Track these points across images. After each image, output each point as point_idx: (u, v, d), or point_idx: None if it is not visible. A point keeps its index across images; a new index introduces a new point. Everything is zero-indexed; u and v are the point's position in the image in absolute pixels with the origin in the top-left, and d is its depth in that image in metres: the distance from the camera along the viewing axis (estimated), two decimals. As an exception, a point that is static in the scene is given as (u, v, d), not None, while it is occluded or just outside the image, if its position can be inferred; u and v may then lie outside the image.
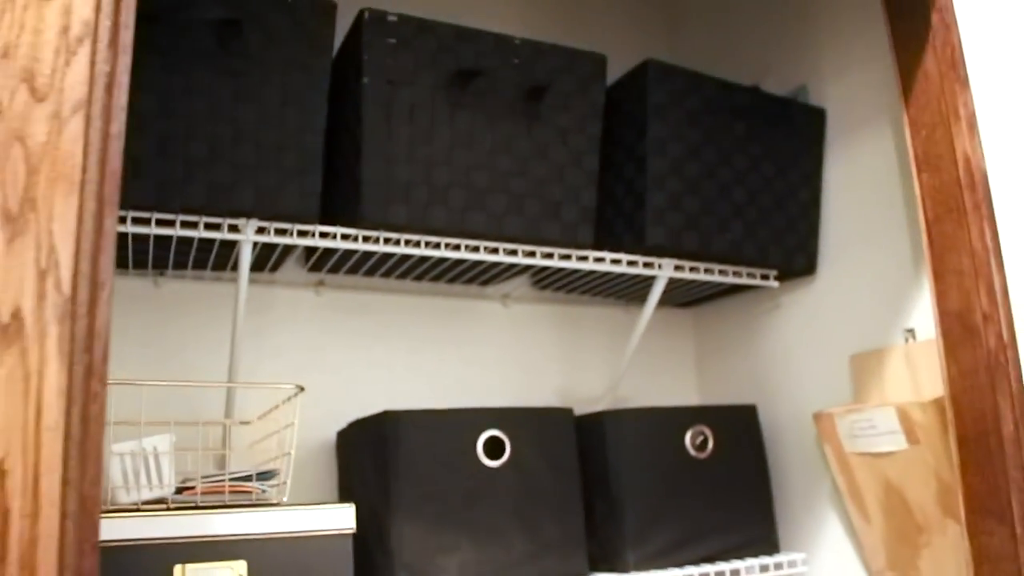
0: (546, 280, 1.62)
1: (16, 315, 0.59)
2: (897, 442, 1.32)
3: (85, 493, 0.61)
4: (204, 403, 1.37)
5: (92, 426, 0.63)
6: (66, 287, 0.61)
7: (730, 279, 1.52)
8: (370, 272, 1.51)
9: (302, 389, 1.18)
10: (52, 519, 0.58)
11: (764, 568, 1.43)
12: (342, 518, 1.11)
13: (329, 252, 1.37)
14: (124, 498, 1.08)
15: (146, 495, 1.09)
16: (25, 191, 0.61)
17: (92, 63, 0.64)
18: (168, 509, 1.07)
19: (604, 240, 1.43)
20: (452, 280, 1.58)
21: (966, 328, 1.19)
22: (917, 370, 1.37)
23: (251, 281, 1.28)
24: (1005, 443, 1.13)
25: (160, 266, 1.40)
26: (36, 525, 0.58)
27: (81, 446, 0.61)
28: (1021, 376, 1.13)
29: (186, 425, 1.27)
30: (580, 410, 1.42)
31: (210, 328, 1.44)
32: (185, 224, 1.18)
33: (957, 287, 1.21)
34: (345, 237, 1.26)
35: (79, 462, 0.60)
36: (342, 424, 1.44)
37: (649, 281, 1.50)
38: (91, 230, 0.63)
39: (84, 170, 0.63)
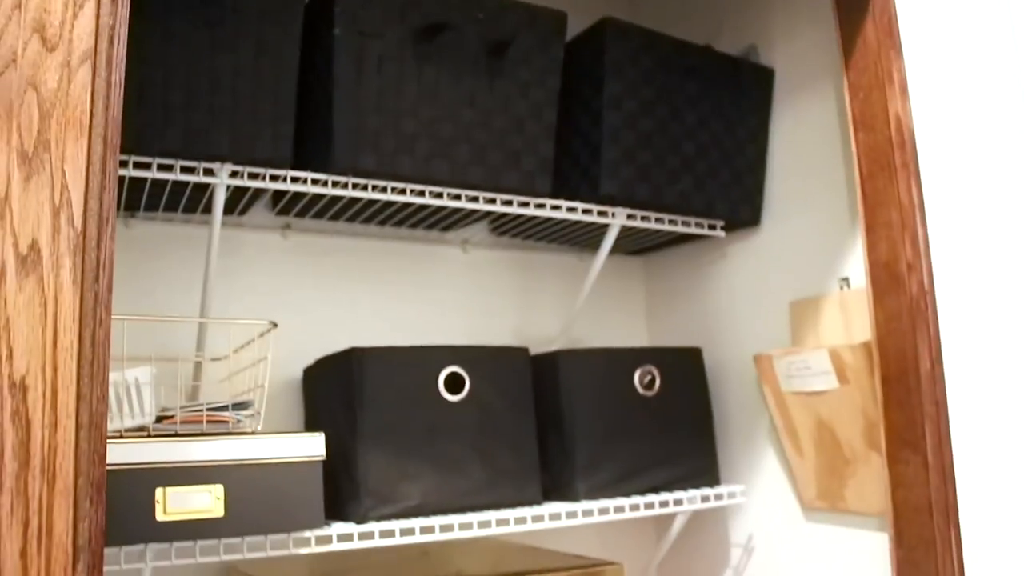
0: (504, 227, 1.69)
1: (34, 247, 0.65)
2: (829, 382, 1.43)
3: (95, 408, 0.68)
4: (178, 341, 1.43)
5: (100, 349, 0.70)
6: (78, 222, 0.67)
7: (679, 228, 1.60)
8: (336, 217, 1.57)
9: (275, 325, 1.25)
10: (69, 430, 0.65)
11: (705, 498, 1.53)
12: (312, 446, 1.19)
13: (298, 197, 1.43)
14: (108, 426, 1.14)
15: (128, 423, 1.16)
16: (39, 134, 0.66)
17: (97, 16, 0.70)
18: (149, 436, 1.14)
19: (561, 189, 1.50)
20: (415, 226, 1.65)
21: (892, 276, 1.29)
22: (850, 316, 1.48)
23: (220, 224, 1.33)
24: (922, 381, 1.24)
25: (132, 208, 1.44)
26: (55, 435, 0.65)
27: (92, 366, 0.67)
28: (938, 320, 1.24)
29: (164, 361, 1.33)
30: (536, 350, 1.51)
31: (181, 269, 1.49)
32: (162, 167, 1.23)
33: (886, 239, 1.30)
34: (316, 182, 1.32)
35: (91, 380, 0.67)
36: (308, 362, 1.51)
37: (603, 229, 1.59)
38: (98, 171, 0.69)
39: (91, 115, 0.69)
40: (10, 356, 0.64)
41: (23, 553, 0.63)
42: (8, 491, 0.63)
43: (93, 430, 0.68)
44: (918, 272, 1.26)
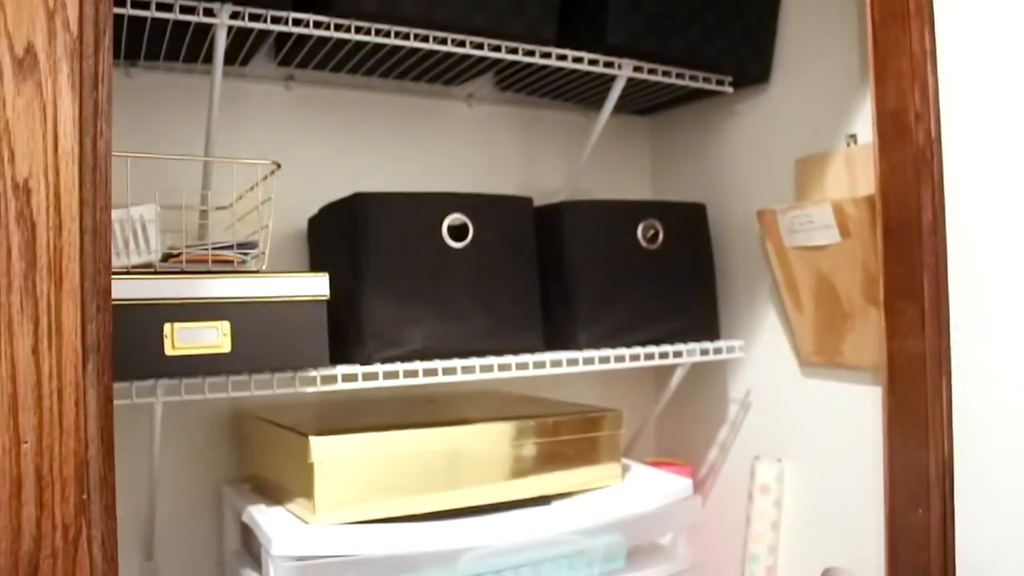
0: (509, 80, 1.67)
1: (30, 50, 0.65)
2: (831, 236, 1.44)
3: (99, 217, 0.69)
4: (181, 187, 1.43)
5: (101, 161, 0.70)
6: (74, 27, 0.66)
7: (686, 82, 1.58)
8: (339, 67, 1.55)
9: (278, 166, 1.25)
10: (73, 233, 0.66)
11: (704, 352, 1.56)
12: (317, 285, 1.21)
13: (299, 44, 1.41)
14: (114, 262, 1.16)
15: (135, 260, 1.17)
16: (31, -67, 0.65)
17: None
18: (156, 273, 1.16)
19: (566, 39, 1.47)
20: (418, 77, 1.63)
21: (899, 126, 1.27)
22: (855, 172, 1.47)
23: (223, 75, 1.32)
24: (923, 231, 1.24)
25: (132, 56, 1.43)
26: (60, 237, 0.66)
27: (94, 173, 0.68)
28: (943, 171, 1.23)
29: (169, 209, 1.33)
30: (539, 203, 1.51)
31: (183, 120, 1.49)
32: (160, 6, 1.21)
33: (895, 89, 1.28)
34: (318, 25, 1.29)
35: (93, 186, 0.68)
36: (312, 213, 1.51)
37: (609, 83, 1.56)
38: (93, -25, 0.68)
39: (84, -83, 0.67)
40: (11, 159, 0.64)
41: (35, 350, 0.65)
42: (17, 290, 0.65)
43: (98, 237, 0.68)
44: (925, 122, 1.25)
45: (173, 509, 1.52)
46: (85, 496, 0.67)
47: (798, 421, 1.58)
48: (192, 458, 1.52)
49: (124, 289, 1.12)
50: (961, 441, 1.22)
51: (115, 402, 1.15)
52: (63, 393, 0.66)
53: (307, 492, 1.20)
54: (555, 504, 1.31)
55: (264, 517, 1.23)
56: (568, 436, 1.34)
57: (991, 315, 1.18)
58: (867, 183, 1.42)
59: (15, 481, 0.64)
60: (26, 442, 0.65)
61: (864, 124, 1.45)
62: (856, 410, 1.46)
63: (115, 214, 1.16)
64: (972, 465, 1.20)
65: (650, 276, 1.52)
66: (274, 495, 1.32)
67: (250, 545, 1.40)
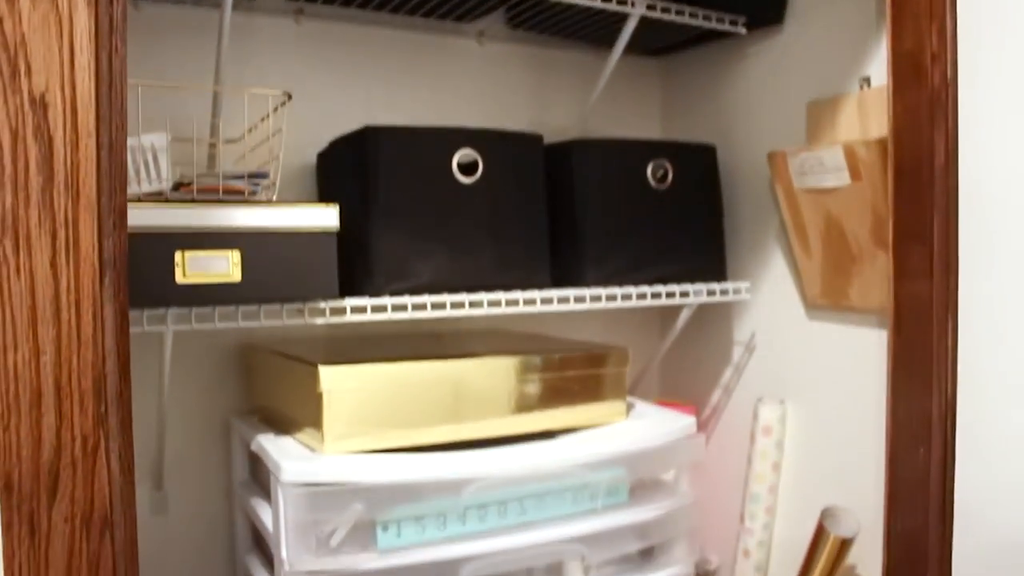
0: (520, 17, 1.65)
1: (45, -38, 0.65)
2: (841, 178, 1.43)
3: (115, 135, 0.69)
4: (193, 115, 1.43)
5: (117, 78, 0.70)
6: (89, -61, 0.66)
7: (699, 22, 1.57)
8: (349, 0, 1.54)
9: (289, 96, 1.24)
10: (90, 148, 0.67)
11: (711, 292, 1.57)
12: (327, 216, 1.21)
13: (311, -25, 1.40)
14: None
15: (146, 188, 1.17)
16: None
17: None
18: (167, 201, 1.16)
19: (580, -25, 1.46)
20: (429, 13, 1.61)
21: (915, 67, 1.26)
22: (867, 115, 1.46)
23: (232, 8, 1.30)
24: (935, 173, 1.24)
25: (141, -16, 1.41)
26: (77, 152, 0.66)
27: (110, 89, 0.68)
28: (957, 112, 1.22)
29: (179, 142, 1.32)
30: (550, 142, 1.50)
31: (191, 55, 1.47)
32: (171, -69, 1.20)
33: (912, 29, 1.27)
34: (329, -46, 1.28)
35: (109, 103, 0.68)
36: (321, 148, 1.51)
37: (621, 21, 1.55)
38: None
39: None
40: (28, 72, 0.64)
41: (52, 264, 0.66)
42: (35, 204, 0.65)
43: (114, 154, 0.69)
44: (942, 63, 1.24)
45: (182, 440, 1.54)
46: (103, 409, 0.68)
47: (802, 364, 1.59)
48: (201, 390, 1.54)
49: (135, 217, 1.11)
50: (965, 383, 1.23)
51: (126, 330, 1.17)
52: (80, 307, 0.67)
53: (316, 422, 1.21)
54: (559, 438, 1.33)
55: (272, 446, 1.24)
56: (573, 372, 1.35)
57: (1000, 259, 1.18)
58: (879, 126, 1.41)
59: (35, 392, 0.66)
60: (45, 354, 0.66)
61: (878, 67, 1.44)
62: (860, 353, 1.47)
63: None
64: (975, 407, 1.21)
65: (658, 216, 1.52)
66: (283, 426, 1.34)
67: (258, 475, 1.43)
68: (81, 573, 0.68)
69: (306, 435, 1.25)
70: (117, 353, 0.69)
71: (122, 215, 0.71)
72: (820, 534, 1.45)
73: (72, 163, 0.66)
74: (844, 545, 1.43)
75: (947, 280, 1.24)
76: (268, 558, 1.30)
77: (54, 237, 0.66)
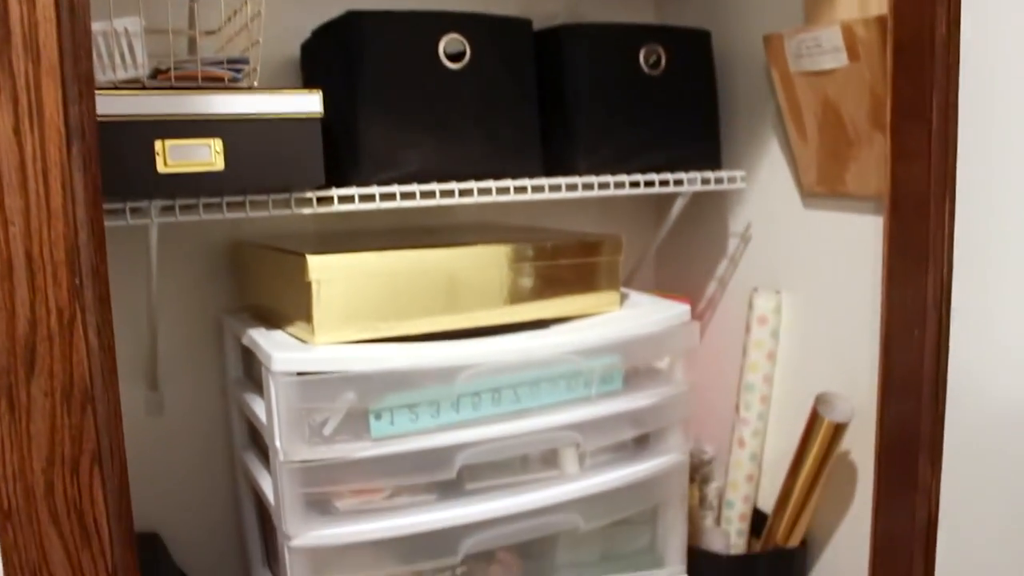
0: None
1: None
2: (839, 59, 1.39)
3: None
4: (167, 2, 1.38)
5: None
6: None
7: (694, -101, 1.51)
8: None
9: (267, -22, 1.20)
10: (48, 8, 0.63)
11: (705, 181, 1.54)
12: (310, 103, 1.18)
13: None
14: (100, 77, 1.12)
15: (122, 75, 1.14)
16: None
17: None
18: (145, 89, 1.13)
19: None
20: None
21: (916, -64, 1.22)
22: (867, -7, 1.42)
23: None
24: (936, 47, 1.20)
25: None
26: (34, 11, 0.63)
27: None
28: (960, -18, 1.18)
29: (154, 32, 1.28)
30: (539, 27, 1.46)
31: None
32: None
33: None
34: None
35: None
36: (304, 39, 1.46)
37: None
38: None
39: None
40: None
41: (16, 130, 0.63)
42: (-8, 68, 0.62)
43: (76, 17, 0.66)
44: (943, -69, 1.19)
45: (175, 341, 1.53)
46: (78, 282, 0.66)
47: (798, 253, 1.57)
48: (192, 290, 1.53)
49: (112, 105, 1.09)
50: (961, 264, 1.22)
51: (109, 223, 1.14)
52: (48, 176, 0.65)
53: (306, 314, 1.20)
54: (553, 327, 1.32)
55: (264, 339, 1.23)
56: (567, 260, 1.33)
57: (1000, 138, 1.15)
58: (879, 3, 1.36)
59: (6, 263, 0.64)
60: (14, 224, 0.64)
61: (878, -58, 1.39)
62: (856, 241, 1.45)
63: (97, 26, 1.11)
64: (971, 288, 1.20)
65: (651, 103, 1.48)
66: (274, 321, 1.32)
67: (252, 371, 1.42)
68: (64, 447, 0.67)
69: (297, 328, 1.24)
70: (90, 225, 0.67)
71: (89, 84, 0.68)
72: (814, 420, 1.46)
73: (30, 22, 0.63)
74: (838, 430, 1.44)
75: (945, 160, 1.22)
76: (265, 453, 1.31)
77: (15, 103, 0.63)
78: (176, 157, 1.12)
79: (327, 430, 1.15)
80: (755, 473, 1.64)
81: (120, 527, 0.73)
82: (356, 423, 1.16)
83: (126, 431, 1.49)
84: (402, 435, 1.17)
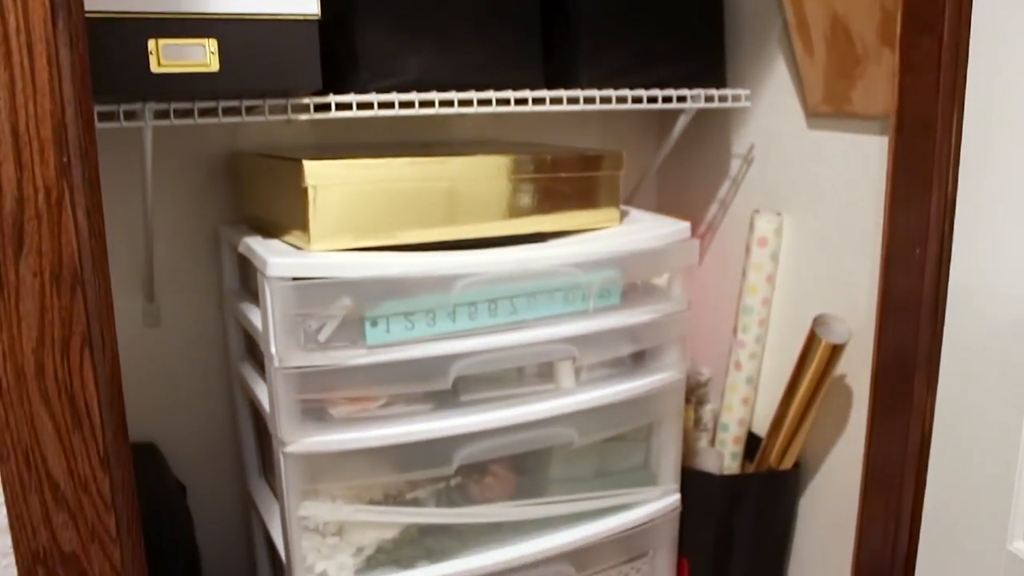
0: None
1: None
2: (849, -28, 1.36)
3: None
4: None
5: None
6: None
7: None
8: None
9: None
10: None
11: (709, 98, 1.52)
12: (307, 4, 1.14)
13: None
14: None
15: (114, -31, 1.11)
16: None
17: None
18: (137, -16, 1.10)
19: None
20: None
21: None
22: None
23: None
24: (950, -44, 1.17)
25: None
26: None
27: None
28: None
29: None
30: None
31: None
32: None
33: None
34: None
35: None
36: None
37: None
38: None
39: None
40: None
41: (-2, 0, 0.62)
42: (-26, -68, 0.60)
43: None
44: None
45: (172, 252, 1.52)
46: (65, 159, 0.65)
47: (801, 175, 1.55)
48: (189, 201, 1.51)
49: (104, 0, 1.06)
50: (966, 180, 1.20)
51: (103, 126, 1.13)
52: (33, 51, 0.63)
53: (302, 221, 1.19)
54: (552, 241, 1.31)
55: (260, 246, 1.22)
56: (567, 174, 1.32)
57: (1012, 51, 1.13)
58: (892, -86, 1.33)
59: (-9, 138, 0.63)
60: (-1, 98, 0.62)
61: None
62: (861, 162, 1.43)
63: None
64: (975, 204, 1.19)
65: (656, 15, 1.45)
66: (271, 231, 1.31)
67: (248, 282, 1.42)
68: (54, 328, 0.66)
69: (294, 237, 1.23)
70: (77, 104, 0.66)
71: (74, -43, 0.66)
72: (811, 340, 1.45)
73: None
74: (835, 351, 1.44)
75: (955, 74, 1.20)
76: (261, 364, 1.31)
77: (-3, -29, 0.61)
78: (170, 57, 1.10)
79: (322, 336, 1.14)
80: (751, 396, 1.65)
81: (112, 414, 0.73)
82: (352, 330, 1.16)
83: (123, 343, 1.49)
84: (397, 343, 1.17)
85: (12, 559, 0.69)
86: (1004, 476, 1.13)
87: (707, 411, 1.68)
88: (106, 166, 1.35)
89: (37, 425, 0.67)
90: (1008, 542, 1.13)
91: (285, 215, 1.25)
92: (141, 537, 0.82)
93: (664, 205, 1.89)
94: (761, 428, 1.64)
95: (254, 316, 1.29)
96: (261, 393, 1.30)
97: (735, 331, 1.64)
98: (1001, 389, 1.14)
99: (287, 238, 1.25)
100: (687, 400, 1.57)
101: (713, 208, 1.75)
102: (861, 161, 1.43)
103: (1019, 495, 1.11)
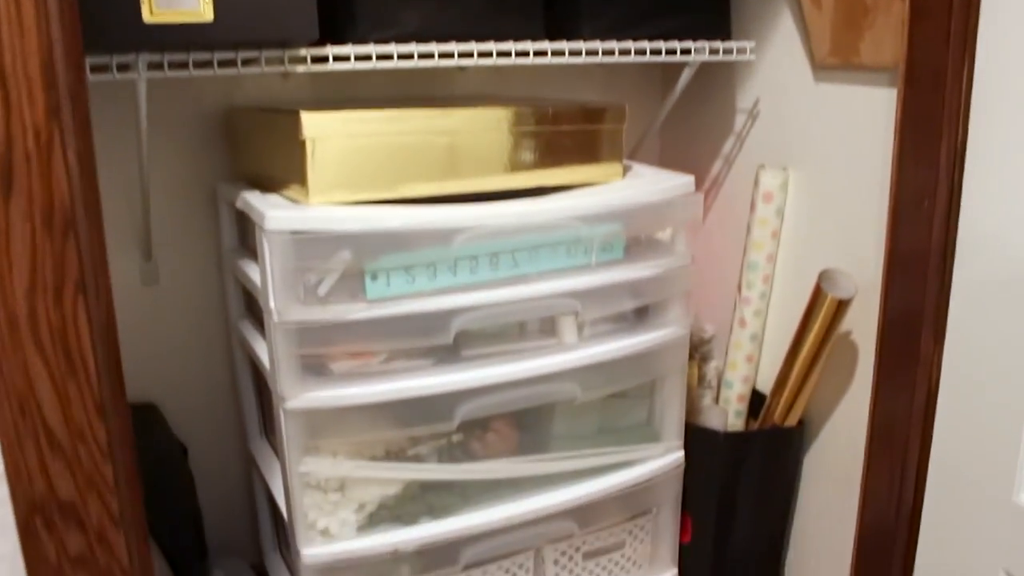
0: None
1: None
2: (858, -81, 1.33)
3: None
4: None
5: None
6: None
7: None
8: None
9: None
10: None
11: (714, 51, 1.49)
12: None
13: None
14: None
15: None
16: None
17: None
18: (128, -70, 1.07)
19: None
20: None
21: None
22: None
23: None
24: (962, -101, 1.14)
25: None
26: None
27: None
28: None
29: None
30: None
31: None
32: None
33: None
34: None
35: None
36: None
37: None
38: None
39: None
40: None
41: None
42: None
43: None
44: None
45: (169, 209, 1.50)
46: (55, 102, 0.63)
47: (807, 129, 1.53)
48: (186, 158, 1.49)
49: (94, -54, 1.04)
50: (977, 130, 1.18)
51: (95, 77, 1.11)
52: (19, -14, 0.61)
53: (300, 175, 1.17)
54: (555, 195, 1.29)
55: (258, 200, 1.20)
56: (569, 127, 1.30)
57: (1024, -7, 1.10)
58: None
59: (-24, 76, 0.61)
60: (-16, 36, 0.60)
61: None
62: (869, 115, 1.40)
63: None
64: (986, 154, 1.17)
65: (661, -35, 1.42)
66: (269, 186, 1.29)
67: (247, 240, 1.40)
68: (46, 273, 0.65)
69: (292, 191, 1.21)
70: (65, 44, 0.64)
71: None
72: (817, 295, 1.44)
73: None
74: (840, 307, 1.42)
75: (966, 21, 1.17)
76: (261, 322, 1.29)
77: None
78: (163, 6, 1.07)
79: (322, 290, 1.13)
80: (755, 354, 1.63)
81: (108, 363, 0.72)
82: (352, 284, 1.14)
83: (121, 302, 1.47)
84: (398, 297, 1.16)
85: (9, 507, 0.68)
86: (1012, 428, 1.12)
87: (711, 368, 1.67)
88: (101, 122, 1.33)
89: (31, 372, 0.66)
90: (1015, 494, 1.12)
91: (283, 170, 1.23)
92: (140, 489, 0.81)
93: (668, 161, 1.87)
94: (765, 386, 1.63)
95: (253, 273, 1.27)
96: (261, 350, 1.28)
97: (739, 288, 1.62)
98: (1010, 340, 1.13)
99: (286, 193, 1.23)
100: (691, 357, 1.56)
101: (718, 164, 1.73)
102: (869, 114, 1.40)
103: (1027, 447, 1.11)
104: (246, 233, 1.40)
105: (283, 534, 1.51)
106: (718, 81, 1.70)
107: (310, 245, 1.11)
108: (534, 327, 1.31)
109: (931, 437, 1.29)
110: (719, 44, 1.49)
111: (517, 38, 1.32)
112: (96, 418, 0.69)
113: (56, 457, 0.69)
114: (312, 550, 1.23)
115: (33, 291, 0.65)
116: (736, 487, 1.55)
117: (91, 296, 0.67)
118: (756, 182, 1.57)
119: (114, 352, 0.74)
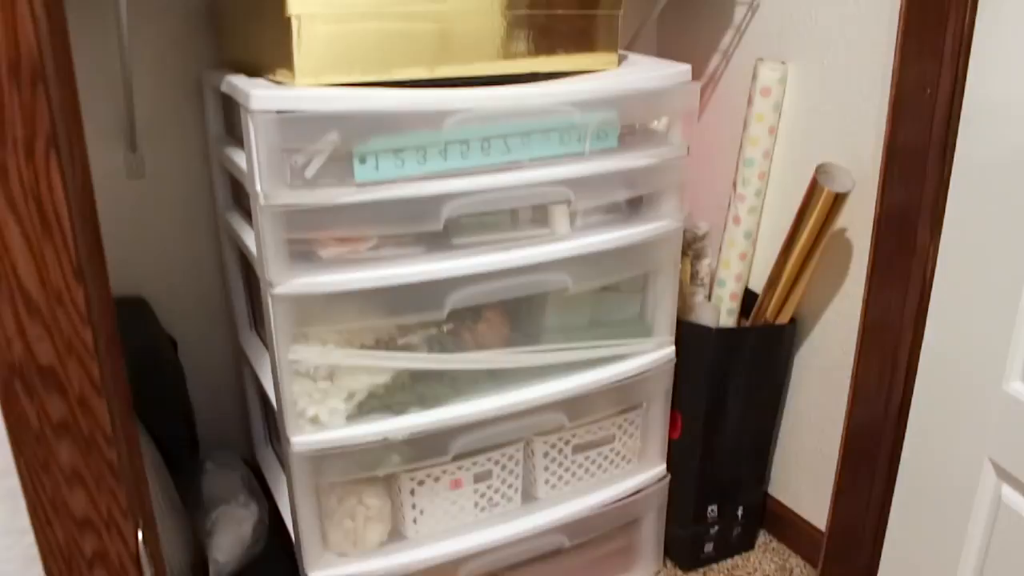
0: None
1: None
2: None
3: None
4: None
5: None
6: None
7: None
8: None
9: None
10: None
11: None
12: None
13: None
14: None
15: None
16: None
17: None
18: None
19: None
20: None
21: None
22: None
23: None
24: None
25: None
26: None
27: None
28: None
29: None
30: None
31: None
32: None
33: None
34: None
35: None
36: None
37: None
38: None
39: None
40: None
41: None
42: None
43: None
44: None
45: (154, 100, 1.47)
46: (18, -60, 0.60)
47: (808, 21, 1.48)
48: (169, 47, 1.45)
49: None
50: (984, 12, 1.14)
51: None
52: None
53: (287, 57, 1.13)
54: (549, 81, 1.25)
55: (243, 83, 1.17)
56: (564, 11, 1.25)
57: None
58: None
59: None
60: None
61: None
62: (873, 5, 1.36)
63: None
64: (995, 40, 1.13)
65: None
66: (256, 70, 1.25)
67: (234, 128, 1.37)
68: (16, 127, 0.62)
69: (279, 75, 1.17)
70: None
71: None
72: (812, 190, 1.42)
73: None
74: (837, 200, 1.40)
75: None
76: (248, 211, 1.27)
77: None
78: None
79: (309, 172, 1.10)
80: (749, 252, 1.62)
81: (84, 227, 0.70)
82: (340, 167, 1.12)
83: (108, 196, 1.45)
84: (387, 181, 1.13)
85: (-13, 370, 0.67)
86: (1005, 316, 1.11)
87: (704, 266, 1.65)
88: (80, 7, 1.29)
89: (5, 232, 0.64)
90: (1004, 382, 1.12)
91: (270, 53, 1.19)
92: (122, 357, 0.80)
93: (664, 54, 1.82)
94: (758, 285, 1.62)
95: (240, 159, 1.24)
96: (249, 238, 1.26)
97: (734, 185, 1.60)
98: (1007, 228, 1.11)
99: (272, 76, 1.20)
100: (684, 255, 1.54)
101: (715, 58, 1.69)
102: (872, 5, 1.36)
103: (1019, 335, 1.10)
104: (232, 119, 1.37)
105: (274, 427, 1.51)
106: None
107: (296, 125, 1.08)
108: (526, 216, 1.29)
109: (923, 330, 1.29)
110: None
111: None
112: (74, 281, 0.67)
113: (34, 321, 0.67)
114: (301, 438, 1.23)
115: (2, 145, 0.62)
116: (726, 384, 1.55)
117: (64, 152, 0.65)
118: (754, 76, 1.54)
119: (92, 217, 0.72)
